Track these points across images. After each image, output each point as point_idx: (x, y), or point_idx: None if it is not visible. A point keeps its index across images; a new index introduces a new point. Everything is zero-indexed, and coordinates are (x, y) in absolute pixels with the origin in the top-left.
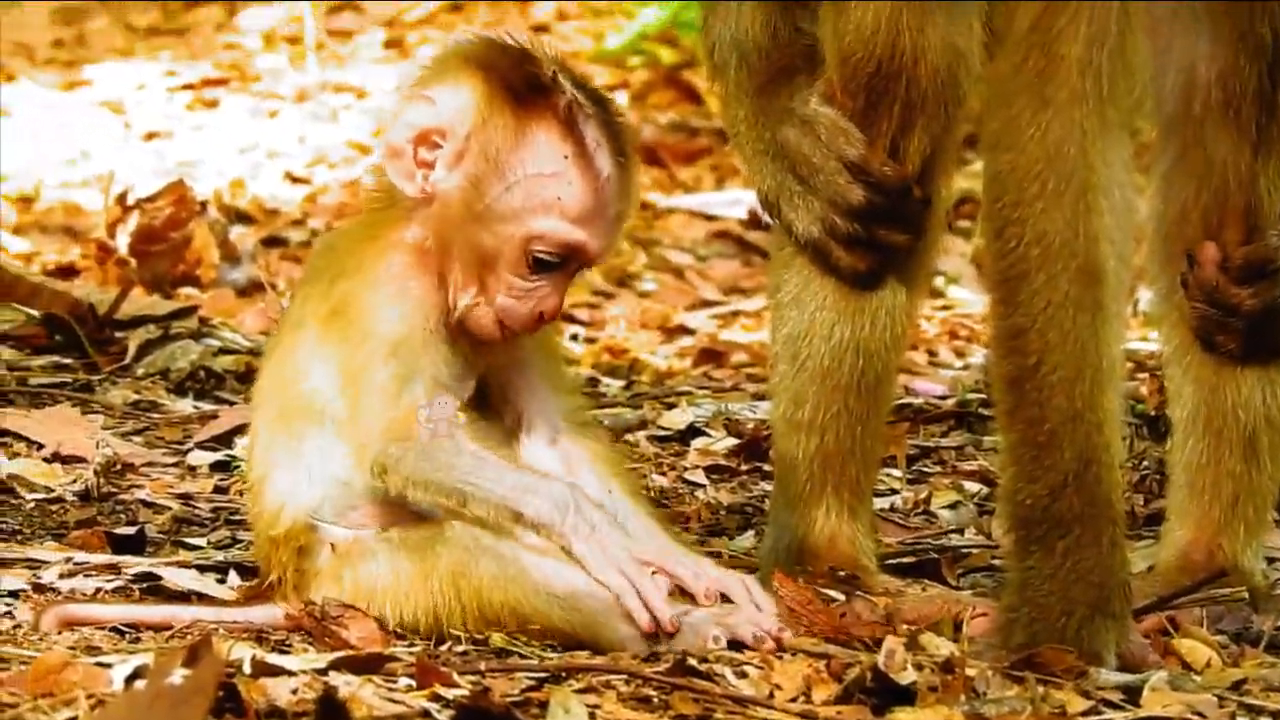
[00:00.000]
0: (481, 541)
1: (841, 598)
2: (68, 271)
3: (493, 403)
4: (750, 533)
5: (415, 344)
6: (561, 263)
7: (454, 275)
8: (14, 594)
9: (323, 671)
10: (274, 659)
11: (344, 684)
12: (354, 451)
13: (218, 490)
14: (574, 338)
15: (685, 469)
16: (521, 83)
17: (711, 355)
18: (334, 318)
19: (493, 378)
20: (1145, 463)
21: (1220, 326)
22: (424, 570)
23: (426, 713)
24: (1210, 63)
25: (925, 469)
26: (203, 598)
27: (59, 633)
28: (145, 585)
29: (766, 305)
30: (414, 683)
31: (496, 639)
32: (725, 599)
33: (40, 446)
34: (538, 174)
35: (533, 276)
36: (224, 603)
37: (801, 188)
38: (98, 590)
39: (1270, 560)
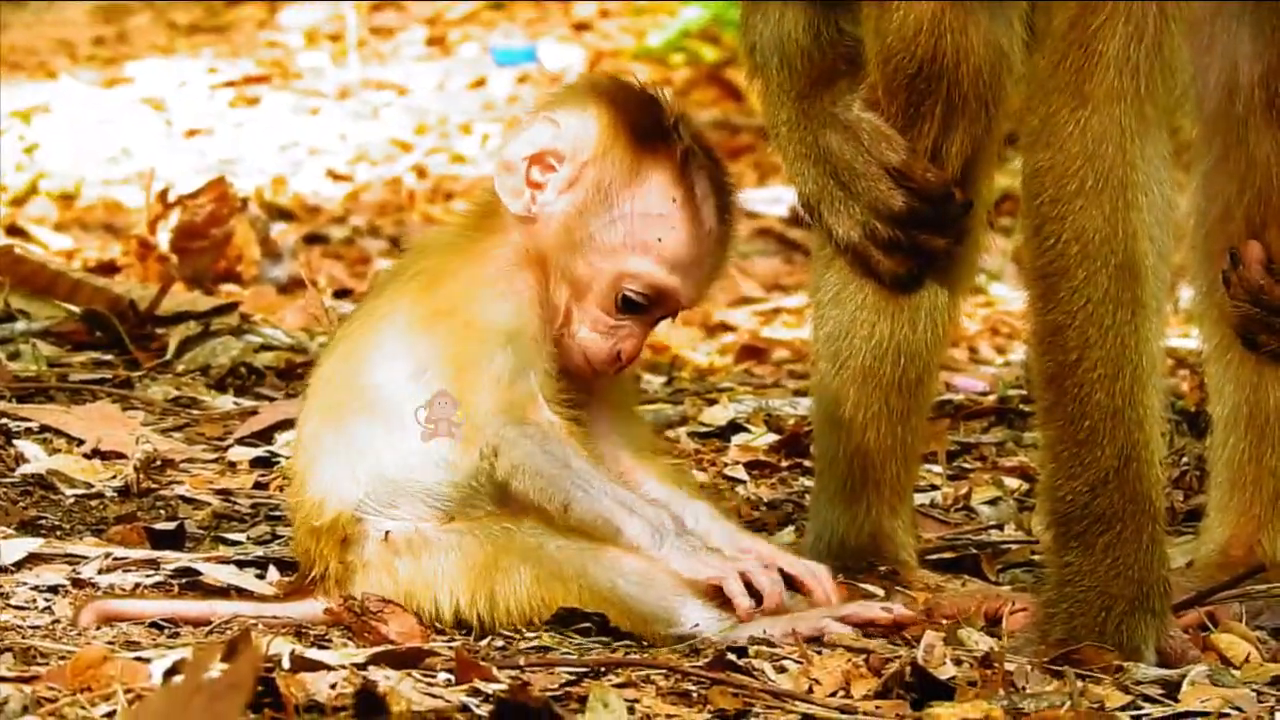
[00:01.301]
0: (544, 533)
1: (881, 593)
2: (108, 268)
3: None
4: (790, 528)
5: (528, 337)
6: (648, 306)
7: (547, 298)
8: (53, 589)
9: (362, 666)
10: (313, 654)
11: (383, 678)
12: (462, 435)
13: (258, 486)
14: None
15: (726, 465)
16: (644, 123)
17: (753, 352)
18: (437, 317)
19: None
20: (1185, 459)
21: (1264, 326)
22: (493, 554)
23: (465, 707)
24: (1253, 62)
25: (966, 465)
26: (241, 593)
27: (97, 627)
28: (184, 581)
29: (808, 303)
30: (453, 677)
31: (545, 638)
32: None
33: (80, 442)
34: (644, 213)
35: (619, 315)
36: (263, 598)
37: (843, 193)
38: (137, 585)
39: None
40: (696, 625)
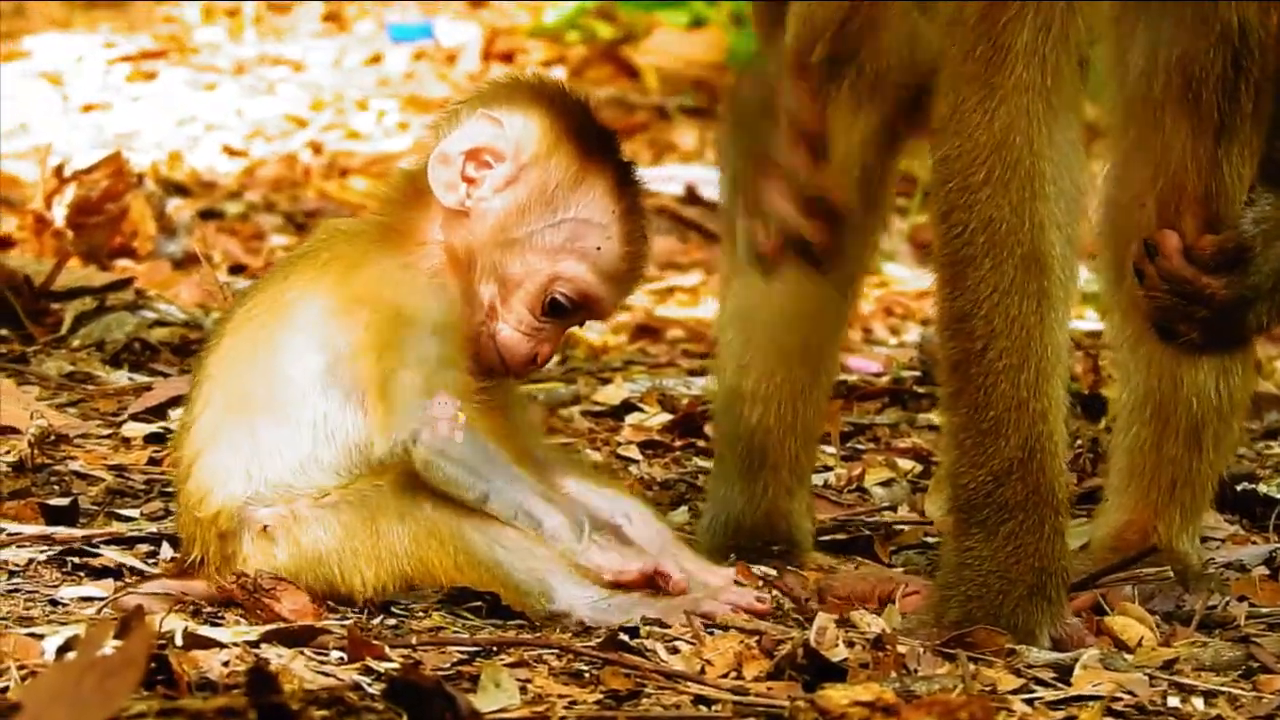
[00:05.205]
0: (419, 493)
1: (773, 573)
2: (3, 243)
3: None
4: (684, 508)
5: (455, 332)
6: (572, 311)
7: (470, 293)
8: None
9: (254, 644)
10: (206, 631)
11: (275, 656)
12: (379, 421)
13: (151, 462)
14: None
15: (619, 444)
16: (587, 132)
17: (647, 331)
18: (359, 303)
19: None
20: (1079, 441)
21: (1183, 316)
22: (370, 518)
23: (357, 685)
24: (1171, 47)
25: (859, 446)
26: (133, 571)
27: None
28: (78, 558)
29: (703, 281)
30: (345, 655)
31: (435, 618)
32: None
33: None
34: (585, 220)
35: (543, 317)
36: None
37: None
38: (30, 562)
39: (1203, 540)
40: (570, 604)
